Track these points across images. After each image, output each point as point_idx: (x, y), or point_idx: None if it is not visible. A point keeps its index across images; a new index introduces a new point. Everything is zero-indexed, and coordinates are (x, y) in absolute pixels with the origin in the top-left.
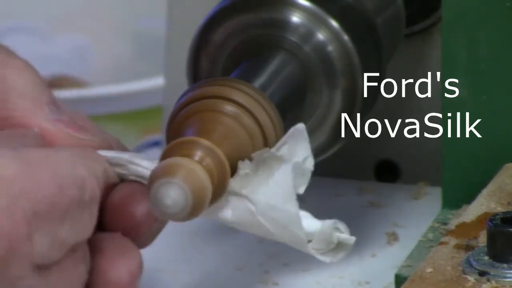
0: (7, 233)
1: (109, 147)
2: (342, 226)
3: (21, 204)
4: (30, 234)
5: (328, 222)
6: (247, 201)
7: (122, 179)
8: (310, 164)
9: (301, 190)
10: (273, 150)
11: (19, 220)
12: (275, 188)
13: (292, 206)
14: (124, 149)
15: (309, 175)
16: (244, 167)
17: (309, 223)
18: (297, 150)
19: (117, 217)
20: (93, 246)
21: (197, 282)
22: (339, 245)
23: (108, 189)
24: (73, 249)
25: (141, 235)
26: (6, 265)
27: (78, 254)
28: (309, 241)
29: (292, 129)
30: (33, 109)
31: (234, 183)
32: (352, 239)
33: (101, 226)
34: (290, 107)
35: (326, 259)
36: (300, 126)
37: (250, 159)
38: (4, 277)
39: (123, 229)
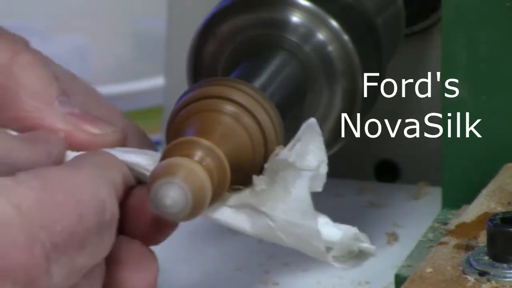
0: (26, 268)
1: (125, 139)
2: (363, 236)
3: (41, 237)
4: (49, 267)
5: (349, 233)
6: (265, 217)
7: (139, 181)
8: (324, 169)
9: (319, 189)
10: (284, 151)
11: (38, 255)
12: (294, 205)
13: (312, 222)
14: (142, 137)
15: (323, 179)
16: (260, 182)
17: (329, 231)
18: (311, 149)
19: (135, 222)
20: (110, 252)
21: (197, 282)
22: (360, 253)
23: (126, 192)
24: (91, 270)
25: (157, 239)
26: None
27: (95, 273)
28: (329, 248)
29: (304, 125)
30: (43, 107)
31: (251, 198)
32: (373, 248)
33: (121, 228)
34: (290, 107)
35: (346, 267)
36: (312, 121)
37: (255, 165)
38: None
39: (139, 233)
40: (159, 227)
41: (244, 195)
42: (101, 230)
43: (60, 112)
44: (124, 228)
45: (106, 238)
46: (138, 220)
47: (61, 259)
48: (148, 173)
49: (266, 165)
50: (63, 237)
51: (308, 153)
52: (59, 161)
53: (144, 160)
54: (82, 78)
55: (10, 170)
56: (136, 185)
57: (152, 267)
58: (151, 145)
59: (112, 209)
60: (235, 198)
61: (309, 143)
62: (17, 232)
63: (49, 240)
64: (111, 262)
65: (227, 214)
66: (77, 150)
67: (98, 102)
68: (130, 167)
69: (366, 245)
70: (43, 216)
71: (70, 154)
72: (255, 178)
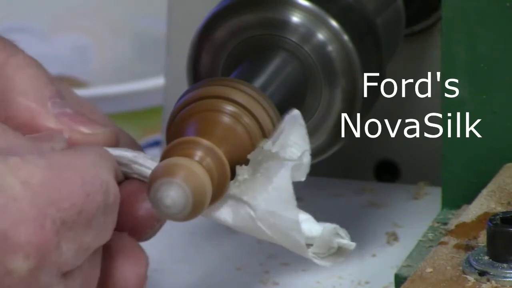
0: (38, 243)
1: (117, 141)
2: (342, 231)
3: (51, 213)
4: (59, 243)
5: (329, 228)
6: (247, 207)
7: (126, 177)
8: (307, 158)
9: (302, 178)
10: (269, 143)
11: (49, 230)
12: (275, 195)
13: (292, 213)
14: (131, 141)
15: (307, 169)
16: (242, 172)
17: (310, 227)
18: (294, 139)
19: (122, 216)
20: (104, 245)
21: (197, 282)
22: (339, 250)
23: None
24: (93, 253)
25: (145, 233)
26: (36, 274)
27: (96, 256)
28: (310, 245)
29: (287, 116)
30: (35, 107)
31: (234, 189)
32: (352, 244)
33: None
34: (290, 107)
35: (325, 263)
36: (295, 112)
37: (247, 161)
38: (34, 285)
39: (128, 227)
40: (147, 222)
41: (228, 186)
42: (106, 211)
43: (53, 112)
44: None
45: (109, 220)
46: (126, 215)
47: (70, 236)
48: (137, 166)
49: (249, 156)
50: (72, 214)
51: (291, 143)
52: None
53: (132, 154)
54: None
55: None
56: (124, 180)
57: (142, 260)
58: (140, 149)
59: (115, 192)
60: None
61: (291, 134)
62: (27, 207)
63: (58, 216)
64: (103, 254)
65: (211, 207)
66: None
67: (91, 108)
68: (119, 162)
69: (345, 241)
70: (51, 193)
71: None
72: (238, 168)
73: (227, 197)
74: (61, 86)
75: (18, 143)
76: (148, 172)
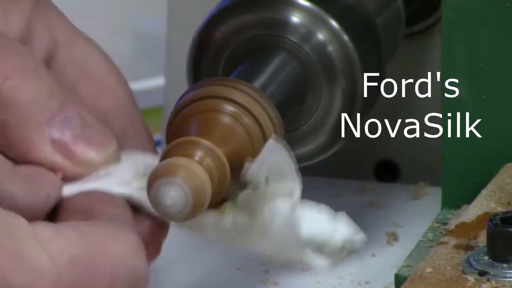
0: None
1: (118, 157)
2: (357, 235)
3: None
4: None
5: (341, 235)
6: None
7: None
8: (297, 193)
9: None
10: (253, 172)
11: None
12: (277, 242)
13: (298, 254)
14: (138, 128)
15: (299, 196)
16: (240, 219)
17: (318, 232)
18: (277, 170)
19: None
20: None
21: (197, 282)
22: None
23: None
24: None
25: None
26: None
27: None
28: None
29: (266, 146)
30: (32, 137)
31: (235, 232)
32: (362, 237)
33: None
34: (290, 107)
35: (331, 263)
36: (271, 142)
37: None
38: None
39: None
40: (151, 247)
41: (228, 225)
42: None
43: (52, 138)
44: None
45: None
46: None
47: None
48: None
49: (241, 196)
50: None
51: (277, 175)
52: (55, 203)
53: (135, 186)
54: (90, 42)
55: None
56: None
57: None
58: (148, 134)
59: (145, 281)
60: (220, 222)
61: (274, 165)
62: (45, 280)
63: None
64: None
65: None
66: (71, 179)
67: (97, 82)
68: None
69: (358, 237)
70: (75, 274)
71: (66, 189)
72: (234, 215)
73: (228, 234)
74: (70, 63)
75: (15, 188)
76: (145, 205)
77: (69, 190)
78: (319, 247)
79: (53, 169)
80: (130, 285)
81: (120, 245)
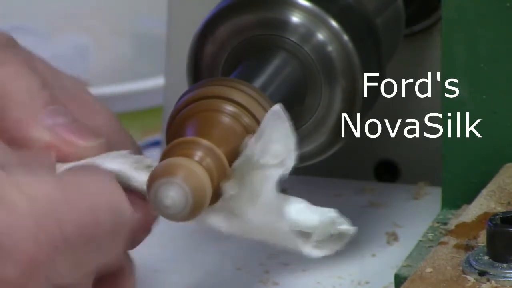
0: (29, 252)
1: (109, 148)
2: (339, 218)
3: (50, 227)
4: (55, 259)
5: (326, 218)
6: (239, 220)
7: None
8: (291, 162)
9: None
10: (252, 142)
11: (44, 243)
12: (263, 209)
13: (282, 225)
14: (130, 144)
15: (290, 168)
16: (228, 189)
17: (306, 218)
18: (277, 136)
19: None
20: None
21: (197, 282)
22: (339, 235)
23: None
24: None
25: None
26: (26, 284)
27: (92, 277)
28: (309, 233)
29: (268, 112)
30: (27, 119)
31: (223, 204)
32: (352, 229)
33: None
34: (290, 107)
35: (328, 252)
36: (276, 107)
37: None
38: None
39: None
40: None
41: (218, 202)
42: (112, 234)
43: (46, 124)
44: None
45: (117, 242)
46: None
47: (69, 254)
48: (133, 182)
49: (233, 166)
50: (75, 234)
51: (275, 140)
52: None
53: (127, 166)
54: (70, 76)
55: None
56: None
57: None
58: (135, 144)
59: (126, 215)
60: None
61: (274, 131)
62: (25, 218)
63: (59, 232)
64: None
65: (208, 216)
66: (63, 161)
67: (86, 104)
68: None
69: (345, 226)
70: (55, 210)
71: (58, 167)
72: (223, 184)
73: (218, 209)
74: (57, 84)
75: (9, 160)
76: (136, 185)
77: (62, 169)
78: (308, 234)
79: (47, 149)
80: (113, 219)
81: (96, 182)
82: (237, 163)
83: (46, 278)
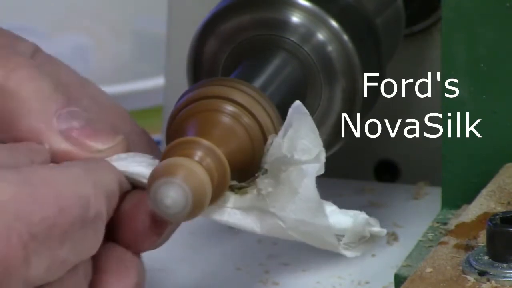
0: (2, 257)
1: (127, 148)
2: (372, 220)
3: (18, 227)
4: (27, 257)
5: (360, 219)
6: (275, 217)
7: (134, 186)
8: (323, 156)
9: (321, 172)
10: (279, 139)
11: (15, 244)
12: (302, 205)
13: (322, 220)
14: (147, 138)
15: (323, 164)
16: (265, 185)
17: (339, 219)
18: (303, 131)
19: (127, 226)
20: (94, 258)
21: (197, 282)
22: (370, 238)
23: (121, 197)
24: (75, 267)
25: (143, 247)
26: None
27: (80, 272)
28: (341, 236)
29: (291, 109)
30: (40, 126)
31: (258, 202)
32: (384, 231)
33: (113, 234)
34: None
35: (357, 253)
36: (297, 103)
37: (255, 165)
38: None
39: (127, 240)
40: (145, 237)
41: (251, 198)
42: (84, 226)
43: (59, 129)
44: (117, 233)
45: (90, 235)
46: (130, 225)
47: (41, 250)
48: (145, 181)
49: (265, 164)
50: (42, 228)
51: (302, 136)
52: None
53: (142, 169)
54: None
55: None
56: (131, 190)
57: (131, 274)
58: (156, 149)
59: (97, 207)
60: (241, 200)
61: (300, 126)
62: None
63: (26, 230)
64: (94, 265)
65: (237, 217)
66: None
67: (103, 105)
68: (128, 176)
69: (376, 228)
70: (20, 208)
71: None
72: (259, 181)
73: (252, 208)
74: (73, 84)
75: None
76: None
77: None
78: (343, 234)
79: (64, 157)
80: (80, 209)
81: (62, 175)
82: (270, 160)
83: (22, 279)
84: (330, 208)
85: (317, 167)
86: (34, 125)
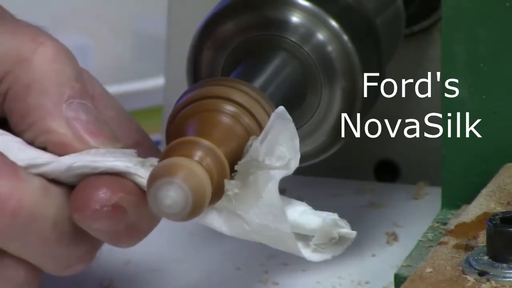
0: None
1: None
2: (341, 221)
3: None
4: None
5: (328, 220)
6: (241, 220)
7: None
8: (294, 164)
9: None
10: (257, 143)
11: None
12: (265, 209)
13: (284, 226)
14: (155, 149)
15: (292, 172)
16: (232, 187)
17: (308, 219)
18: (283, 137)
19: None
20: None
21: (197, 282)
22: (340, 239)
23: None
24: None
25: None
26: None
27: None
28: (311, 236)
29: (273, 114)
30: (49, 106)
31: (225, 202)
32: (353, 233)
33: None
34: (290, 107)
35: (325, 257)
36: (281, 109)
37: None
38: None
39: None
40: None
41: (222, 199)
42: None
43: (65, 115)
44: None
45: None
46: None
47: None
48: (131, 176)
49: (237, 167)
50: None
51: (281, 142)
52: None
53: (118, 163)
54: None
55: None
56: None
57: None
58: (154, 149)
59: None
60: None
61: (281, 134)
62: None
63: None
64: None
65: (212, 216)
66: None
67: (117, 111)
68: (104, 172)
69: (346, 230)
70: None
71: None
72: (227, 182)
73: (220, 209)
74: (91, 84)
75: None
76: (141, 181)
77: (67, 160)
78: (308, 237)
79: (60, 142)
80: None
81: None
82: (242, 162)
83: None
84: (301, 208)
85: (284, 174)
86: (42, 103)
